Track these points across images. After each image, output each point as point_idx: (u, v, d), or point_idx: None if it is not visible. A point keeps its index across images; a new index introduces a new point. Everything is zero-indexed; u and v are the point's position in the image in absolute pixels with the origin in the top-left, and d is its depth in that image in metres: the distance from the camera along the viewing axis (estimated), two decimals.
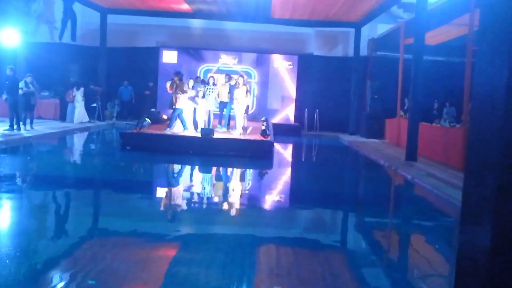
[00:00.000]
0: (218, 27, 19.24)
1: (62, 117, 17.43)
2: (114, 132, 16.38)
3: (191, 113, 12.96)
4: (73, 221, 6.21)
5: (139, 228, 5.78)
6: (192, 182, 9.30)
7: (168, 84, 12.79)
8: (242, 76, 13.55)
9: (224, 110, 13.84)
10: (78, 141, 14.66)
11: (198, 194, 8.03)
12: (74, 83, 17.33)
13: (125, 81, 19.11)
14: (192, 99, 12.78)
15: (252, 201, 7.87)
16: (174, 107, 12.62)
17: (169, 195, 8.01)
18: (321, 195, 8.57)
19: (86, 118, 17.26)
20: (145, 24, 19.40)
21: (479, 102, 2.59)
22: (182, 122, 12.58)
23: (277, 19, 17.96)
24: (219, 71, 18.63)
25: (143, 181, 9.14)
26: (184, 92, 12.44)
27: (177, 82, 12.46)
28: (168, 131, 12.47)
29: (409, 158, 11.27)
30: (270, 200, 8.01)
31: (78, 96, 17.00)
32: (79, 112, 17.05)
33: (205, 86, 13.61)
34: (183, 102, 12.49)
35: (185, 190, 8.32)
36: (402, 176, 10.10)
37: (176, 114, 12.55)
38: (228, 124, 13.79)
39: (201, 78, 15.43)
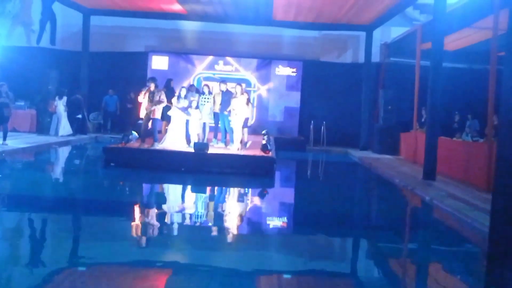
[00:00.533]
0: (214, 30, 19.28)
1: (39, 130, 17.39)
2: (97, 147, 16.30)
3: (183, 125, 12.90)
4: (48, 249, 6.11)
5: (122, 257, 5.68)
6: (183, 203, 9.22)
7: (142, 93, 12.61)
8: (240, 84, 13.52)
9: (220, 122, 13.78)
10: (56, 157, 14.59)
11: (190, 218, 7.94)
12: (57, 92, 17.32)
13: (110, 90, 19.12)
14: (185, 110, 12.74)
15: (251, 226, 7.78)
16: (152, 117, 12.58)
17: (157, 219, 7.90)
18: (329, 220, 8.48)
19: (69, 131, 17.23)
20: (133, 26, 19.46)
21: (508, 114, 2.54)
22: (154, 133, 12.60)
23: (279, 21, 18.01)
24: (214, 78, 18.62)
25: (127, 203, 9.04)
26: (158, 102, 12.41)
27: (152, 89, 12.39)
28: (156, 146, 12.42)
29: (427, 176, 11.20)
30: (272, 224, 7.91)
31: (60, 106, 16.99)
32: (63, 124, 17.03)
33: (200, 96, 13.57)
34: (159, 112, 12.51)
35: (176, 213, 8.23)
36: (420, 197, 10.01)
37: (155, 126, 12.58)
38: (225, 138, 13.73)
39: (195, 86, 15.43)
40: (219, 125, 13.82)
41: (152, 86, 12.53)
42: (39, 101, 17.87)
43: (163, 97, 12.60)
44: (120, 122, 18.92)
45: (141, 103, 12.75)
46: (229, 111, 13.18)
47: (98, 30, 19.03)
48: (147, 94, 12.46)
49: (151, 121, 12.64)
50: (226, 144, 13.49)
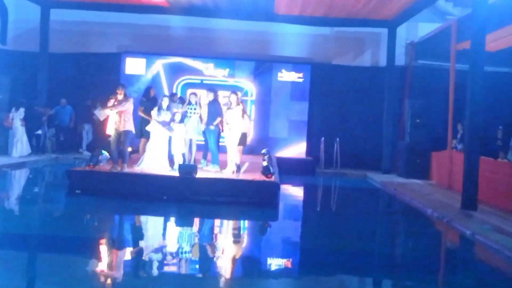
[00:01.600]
0: (203, 27, 19.36)
1: None
2: (58, 170, 16.27)
3: (165, 143, 12.88)
4: None
5: None
6: (164, 241, 9.17)
7: (110, 101, 12.40)
8: (235, 92, 13.52)
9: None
10: (8, 183, 14.51)
11: (173, 259, 7.89)
12: (15, 103, 17.31)
13: (62, 100, 19.05)
14: (167, 124, 12.73)
15: (249, 269, 7.71)
16: (122, 129, 12.47)
17: (132, 262, 7.85)
18: (348, 261, 8.42)
19: (28, 150, 17.21)
20: (103, 22, 19.52)
21: None
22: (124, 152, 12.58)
23: (282, 15, 18.10)
24: (203, 85, 18.62)
25: (95, 241, 8.96)
26: (119, 104, 12.25)
27: (120, 98, 12.29)
28: (126, 169, 12.40)
29: (467, 206, 11.19)
30: (275, 267, 7.87)
31: (17, 120, 16.98)
32: (20, 141, 17.00)
33: (189, 107, 13.49)
34: (131, 123, 12.44)
35: (155, 254, 8.17)
36: (458, 231, 10.00)
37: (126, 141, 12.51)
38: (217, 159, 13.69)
39: (179, 95, 15.43)
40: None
41: (121, 94, 12.34)
42: None
43: (129, 105, 12.38)
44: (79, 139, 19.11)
45: (108, 115, 12.59)
46: (217, 125, 13.14)
47: (60, 27, 19.07)
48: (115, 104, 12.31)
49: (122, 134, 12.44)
50: (218, 165, 13.42)
